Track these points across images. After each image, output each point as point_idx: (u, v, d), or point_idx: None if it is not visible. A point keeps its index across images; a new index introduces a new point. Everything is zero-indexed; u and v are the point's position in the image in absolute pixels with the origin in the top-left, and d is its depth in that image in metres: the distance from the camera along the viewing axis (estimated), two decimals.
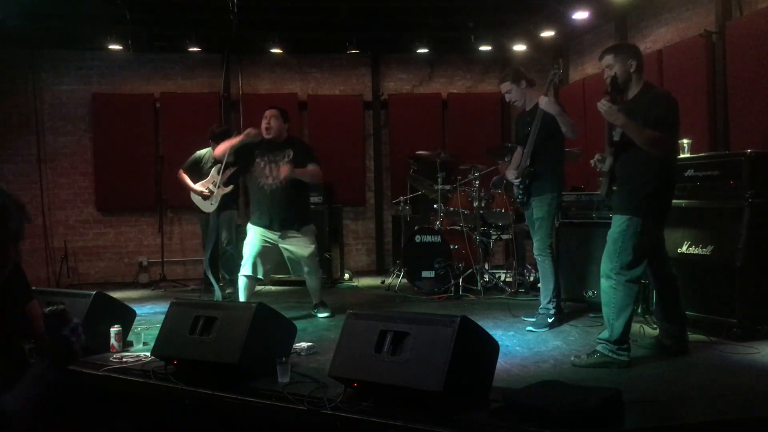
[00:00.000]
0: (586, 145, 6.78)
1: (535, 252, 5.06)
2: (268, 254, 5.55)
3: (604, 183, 4.04)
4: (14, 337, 2.15)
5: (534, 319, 5.03)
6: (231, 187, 6.93)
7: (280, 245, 5.56)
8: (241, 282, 5.53)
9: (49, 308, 1.96)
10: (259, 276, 5.54)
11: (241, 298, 5.51)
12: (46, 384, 1.90)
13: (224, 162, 5.91)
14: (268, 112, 5.55)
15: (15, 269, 2.32)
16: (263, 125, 5.49)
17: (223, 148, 5.58)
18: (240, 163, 5.68)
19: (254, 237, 5.53)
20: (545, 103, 4.81)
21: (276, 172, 5.45)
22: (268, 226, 5.50)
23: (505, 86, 5.14)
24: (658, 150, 3.77)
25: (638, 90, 3.94)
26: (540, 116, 4.92)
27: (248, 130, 5.48)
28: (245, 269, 5.51)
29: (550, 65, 5.04)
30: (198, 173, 6.96)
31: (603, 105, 3.82)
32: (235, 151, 5.52)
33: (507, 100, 5.22)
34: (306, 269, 5.64)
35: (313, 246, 5.62)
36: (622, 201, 3.91)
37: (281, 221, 5.48)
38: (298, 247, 5.56)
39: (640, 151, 3.79)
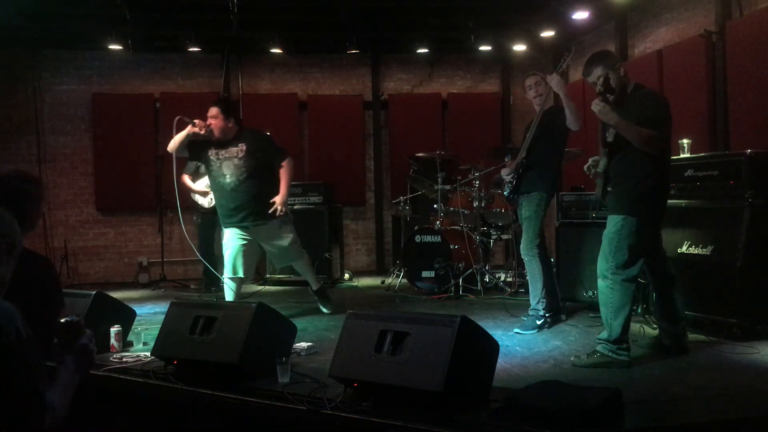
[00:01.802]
0: (585, 145, 6.79)
1: (522, 252, 5.04)
2: (248, 252, 5.43)
3: (599, 184, 4.05)
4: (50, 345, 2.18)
5: (524, 320, 5.02)
6: None
7: (259, 242, 5.48)
8: (226, 286, 5.43)
9: (66, 318, 2.09)
10: (241, 275, 5.41)
11: (229, 299, 5.39)
12: (74, 387, 2.05)
13: (175, 157, 5.51)
14: (208, 112, 5.32)
15: (52, 277, 2.35)
16: (204, 123, 5.27)
17: (173, 143, 5.31)
18: (194, 158, 5.54)
19: (231, 238, 5.41)
20: (555, 81, 4.72)
21: (231, 168, 5.26)
22: (237, 224, 5.36)
23: (534, 78, 5.05)
24: (652, 147, 3.78)
25: (630, 90, 3.97)
26: (540, 114, 4.93)
27: (191, 124, 5.24)
28: (227, 272, 5.40)
29: (563, 52, 4.95)
30: (198, 175, 7.20)
31: (597, 105, 3.85)
32: (187, 146, 5.31)
33: (531, 95, 5.06)
34: (290, 258, 5.63)
35: (290, 234, 5.51)
36: (616, 201, 3.92)
37: (246, 216, 5.32)
38: (274, 239, 5.46)
39: (633, 151, 3.81)
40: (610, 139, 3.91)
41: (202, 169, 7.04)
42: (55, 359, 2.06)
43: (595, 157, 4.10)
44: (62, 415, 1.94)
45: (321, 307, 5.75)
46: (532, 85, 5.06)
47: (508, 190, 5.12)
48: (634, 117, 3.80)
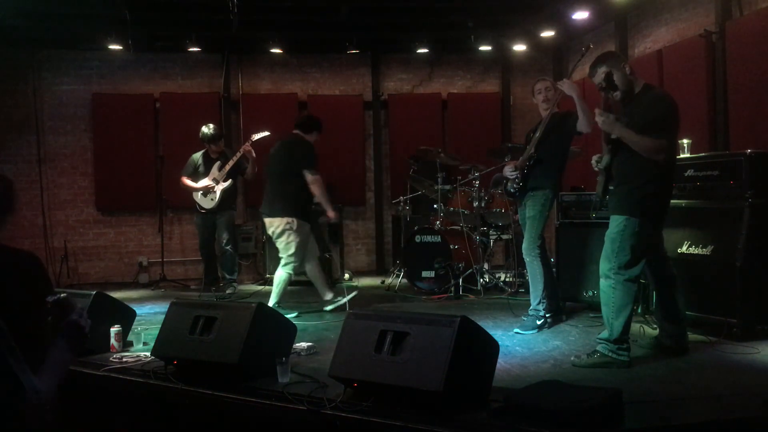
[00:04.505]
0: (585, 145, 6.78)
1: (524, 252, 5.00)
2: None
3: (600, 182, 4.04)
4: (43, 329, 2.16)
5: (524, 320, 5.01)
6: (230, 181, 7.11)
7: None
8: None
9: (53, 297, 2.09)
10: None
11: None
12: (65, 366, 2.07)
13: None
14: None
15: (37, 264, 2.31)
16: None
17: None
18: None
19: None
20: (567, 85, 4.70)
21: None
22: None
23: (544, 83, 5.03)
24: (658, 156, 3.77)
25: (638, 90, 3.95)
26: (549, 116, 4.92)
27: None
28: None
29: (584, 47, 4.93)
30: (196, 176, 7.17)
31: (600, 116, 3.84)
32: None
33: (539, 99, 5.02)
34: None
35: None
36: (619, 201, 3.91)
37: None
38: None
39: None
40: (614, 136, 3.90)
41: (201, 169, 7.13)
42: (47, 340, 2.06)
43: (599, 154, 4.09)
44: (49, 397, 1.92)
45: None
46: (542, 89, 5.02)
47: (513, 187, 5.06)
48: (641, 119, 3.78)
